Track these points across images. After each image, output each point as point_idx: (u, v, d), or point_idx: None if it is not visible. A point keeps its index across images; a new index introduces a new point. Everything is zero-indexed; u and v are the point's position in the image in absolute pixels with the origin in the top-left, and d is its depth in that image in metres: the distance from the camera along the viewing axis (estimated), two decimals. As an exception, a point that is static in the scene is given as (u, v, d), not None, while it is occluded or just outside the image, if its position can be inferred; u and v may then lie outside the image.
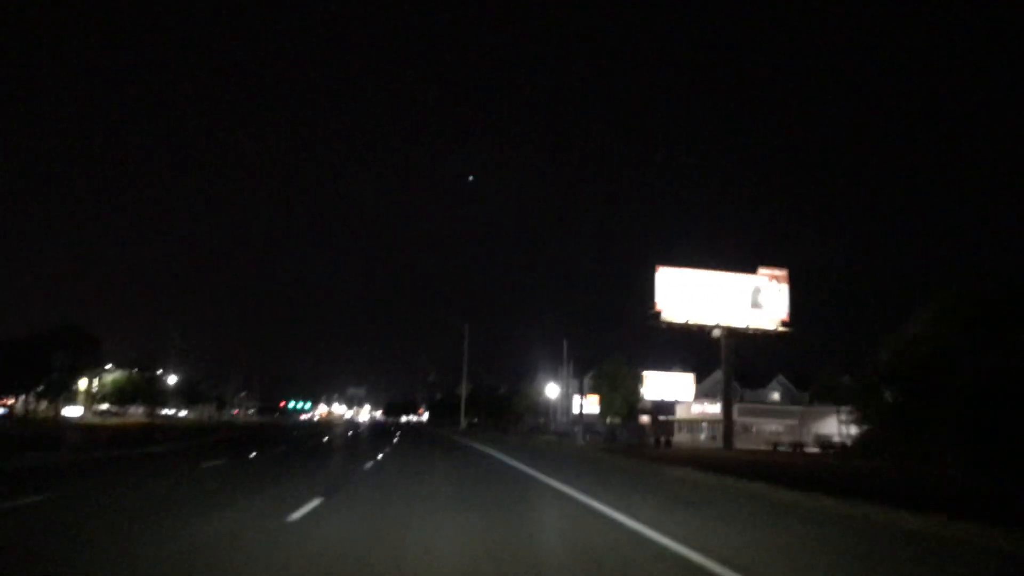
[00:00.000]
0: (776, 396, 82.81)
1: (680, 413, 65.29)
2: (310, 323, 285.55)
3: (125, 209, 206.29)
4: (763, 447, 47.75)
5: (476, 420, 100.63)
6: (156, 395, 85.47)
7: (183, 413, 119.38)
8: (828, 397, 76.81)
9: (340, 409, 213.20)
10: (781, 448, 47.20)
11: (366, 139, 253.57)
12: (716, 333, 42.15)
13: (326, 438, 43.53)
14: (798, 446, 49.14)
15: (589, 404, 69.16)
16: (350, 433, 57.34)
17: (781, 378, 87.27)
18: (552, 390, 67.68)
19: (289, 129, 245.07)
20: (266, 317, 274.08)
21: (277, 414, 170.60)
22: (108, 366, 79.65)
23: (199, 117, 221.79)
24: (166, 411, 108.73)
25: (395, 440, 42.07)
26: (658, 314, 40.80)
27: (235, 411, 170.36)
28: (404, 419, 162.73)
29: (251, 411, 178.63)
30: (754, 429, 59.18)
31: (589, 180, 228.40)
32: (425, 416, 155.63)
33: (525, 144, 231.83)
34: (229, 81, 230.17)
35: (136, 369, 78.22)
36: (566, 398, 68.94)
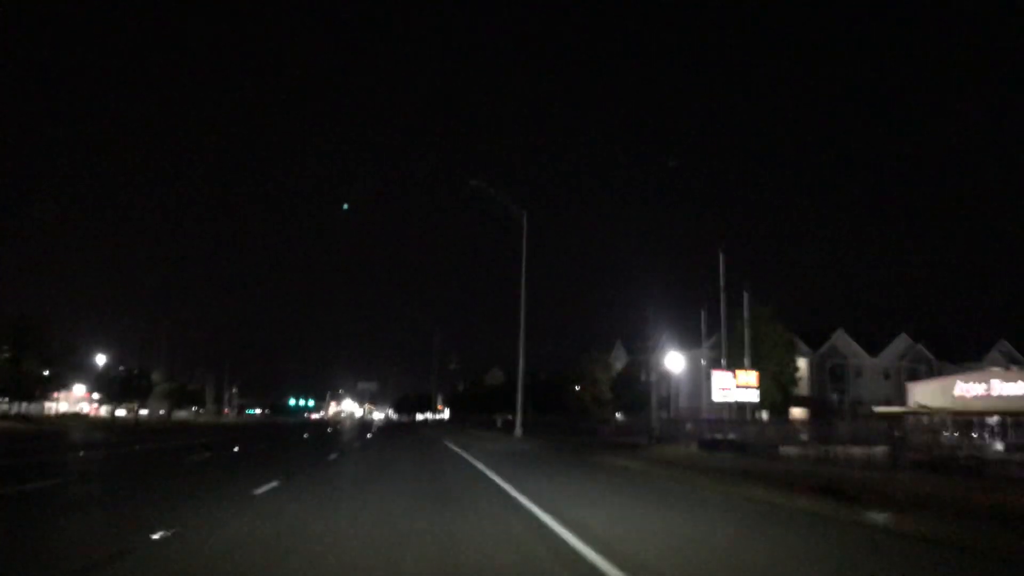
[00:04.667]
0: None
1: (920, 396, 35.80)
2: (316, 312, 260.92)
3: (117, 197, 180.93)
4: None
5: (510, 417, 70.59)
6: (36, 383, 57.29)
7: (107, 411, 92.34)
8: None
9: (351, 406, 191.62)
10: None
11: (367, 118, 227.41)
12: None
13: None
14: None
15: (722, 386, 38.86)
16: None
17: (1004, 344, 57.80)
18: (675, 362, 37.24)
19: (293, 102, 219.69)
20: (264, 307, 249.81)
21: (287, 415, 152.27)
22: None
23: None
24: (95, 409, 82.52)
25: None
26: None
27: (225, 410, 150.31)
28: (419, 417, 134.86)
29: (257, 411, 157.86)
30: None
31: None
32: (446, 413, 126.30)
33: None
34: (225, 61, 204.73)
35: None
36: (691, 374, 39.15)
